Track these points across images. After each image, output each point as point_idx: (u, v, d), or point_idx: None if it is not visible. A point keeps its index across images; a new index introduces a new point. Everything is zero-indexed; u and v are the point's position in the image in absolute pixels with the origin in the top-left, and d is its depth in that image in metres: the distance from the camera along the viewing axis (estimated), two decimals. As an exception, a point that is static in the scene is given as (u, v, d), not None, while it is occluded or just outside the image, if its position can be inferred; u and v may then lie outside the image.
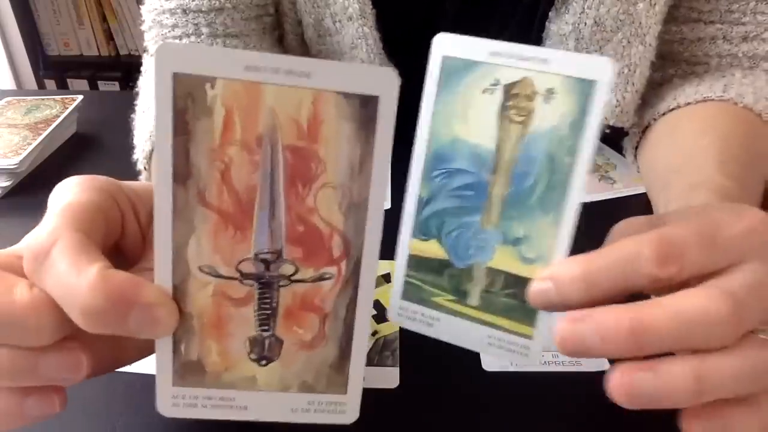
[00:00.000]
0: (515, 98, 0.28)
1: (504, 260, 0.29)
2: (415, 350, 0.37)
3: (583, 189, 0.28)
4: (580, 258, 0.27)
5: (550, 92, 0.27)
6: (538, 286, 0.28)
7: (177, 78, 0.23)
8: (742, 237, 0.25)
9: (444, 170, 0.30)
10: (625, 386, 0.24)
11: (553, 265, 0.28)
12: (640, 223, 0.28)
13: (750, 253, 0.25)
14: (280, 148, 0.24)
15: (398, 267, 0.31)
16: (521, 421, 0.33)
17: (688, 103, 0.50)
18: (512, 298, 0.29)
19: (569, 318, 0.25)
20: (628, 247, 0.25)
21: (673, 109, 0.52)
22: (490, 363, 0.36)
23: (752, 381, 0.24)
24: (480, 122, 0.29)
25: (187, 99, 0.23)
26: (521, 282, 0.29)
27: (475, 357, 0.37)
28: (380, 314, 0.40)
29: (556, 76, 0.27)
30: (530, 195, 0.28)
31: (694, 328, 0.24)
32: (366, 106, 0.24)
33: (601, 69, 0.26)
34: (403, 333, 0.38)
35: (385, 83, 0.24)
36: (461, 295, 0.30)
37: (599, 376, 0.36)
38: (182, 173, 0.24)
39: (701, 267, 0.25)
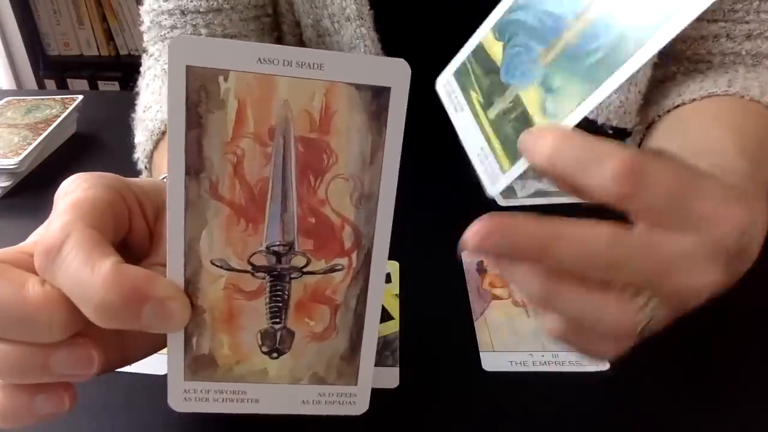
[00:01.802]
0: None
1: (530, 98, 0.29)
2: (415, 350, 0.37)
3: (623, 81, 0.26)
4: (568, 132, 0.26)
5: None
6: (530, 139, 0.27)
7: (190, 70, 0.23)
8: (716, 220, 0.24)
9: None
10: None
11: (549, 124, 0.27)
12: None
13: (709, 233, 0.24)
14: (293, 140, 0.24)
15: (465, 48, 0.32)
16: (521, 421, 0.33)
17: (693, 99, 0.50)
18: (515, 133, 0.29)
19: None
20: (603, 149, 0.24)
21: (678, 106, 0.51)
22: (491, 363, 0.36)
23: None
24: None
25: (200, 92, 0.23)
26: (529, 125, 0.29)
27: (475, 357, 0.37)
28: (381, 314, 0.40)
29: None
30: (586, 58, 0.28)
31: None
32: (378, 97, 0.24)
33: None
34: (403, 333, 0.38)
35: (397, 74, 0.24)
36: (487, 103, 0.30)
37: (599, 376, 0.36)
38: (195, 166, 0.24)
39: (654, 208, 0.24)
